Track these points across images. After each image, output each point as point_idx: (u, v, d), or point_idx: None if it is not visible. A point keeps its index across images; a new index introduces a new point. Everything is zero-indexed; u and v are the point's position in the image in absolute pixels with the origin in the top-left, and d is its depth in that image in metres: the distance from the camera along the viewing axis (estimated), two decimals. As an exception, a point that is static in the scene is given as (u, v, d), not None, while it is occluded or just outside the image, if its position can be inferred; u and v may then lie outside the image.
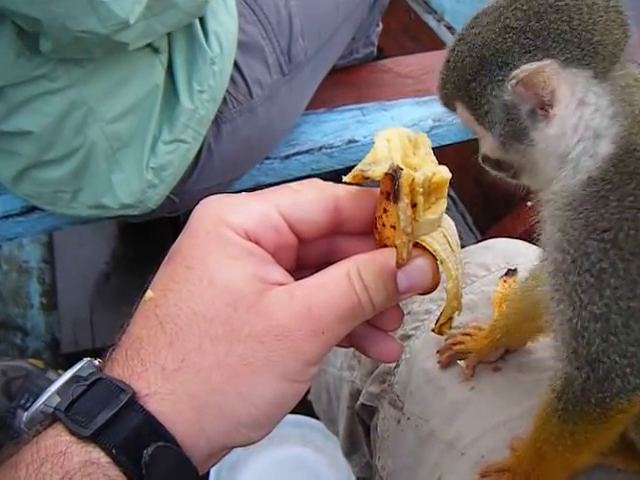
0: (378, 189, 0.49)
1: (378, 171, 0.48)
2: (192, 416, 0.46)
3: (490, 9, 0.57)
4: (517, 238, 0.92)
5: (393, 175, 0.47)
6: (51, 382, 0.48)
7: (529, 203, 0.64)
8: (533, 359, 0.75)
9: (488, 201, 1.96)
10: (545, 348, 0.74)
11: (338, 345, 0.51)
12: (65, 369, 0.48)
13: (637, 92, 0.56)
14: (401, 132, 0.51)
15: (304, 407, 0.78)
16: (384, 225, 0.49)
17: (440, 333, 0.56)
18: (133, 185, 1.20)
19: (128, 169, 1.19)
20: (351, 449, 0.97)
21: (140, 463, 0.44)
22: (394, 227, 0.48)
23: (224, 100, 1.25)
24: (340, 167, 1.43)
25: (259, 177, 1.40)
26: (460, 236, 0.52)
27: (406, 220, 0.47)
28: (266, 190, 0.52)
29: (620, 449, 0.65)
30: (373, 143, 0.50)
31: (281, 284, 0.48)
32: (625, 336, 0.55)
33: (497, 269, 0.83)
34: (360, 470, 0.99)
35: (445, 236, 0.51)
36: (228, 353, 0.46)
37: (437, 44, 1.96)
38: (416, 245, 0.49)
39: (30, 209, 1.31)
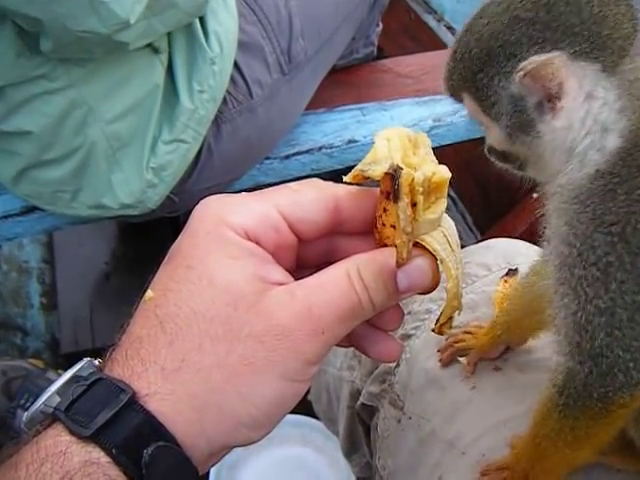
0: (378, 189, 0.49)
1: (378, 171, 0.48)
2: (192, 416, 0.46)
3: None
4: (517, 238, 0.92)
5: (393, 175, 0.47)
6: (51, 382, 0.48)
7: (535, 195, 0.64)
8: (533, 359, 0.75)
9: (488, 201, 1.96)
10: (545, 347, 0.74)
11: (338, 345, 0.50)
12: (65, 369, 0.48)
13: None
14: (401, 132, 0.51)
15: (304, 407, 0.78)
16: (384, 225, 0.49)
17: (440, 333, 0.56)
18: (133, 185, 1.20)
19: (128, 169, 1.19)
20: (351, 449, 0.97)
21: (140, 463, 0.44)
22: (394, 227, 0.48)
23: (224, 100, 1.25)
24: (340, 167, 1.43)
25: (259, 177, 1.40)
26: (460, 236, 0.52)
27: (406, 220, 0.47)
28: (266, 190, 0.52)
29: (619, 449, 0.65)
30: (373, 143, 0.50)
31: (281, 284, 0.48)
32: (630, 330, 0.55)
33: (498, 269, 0.83)
34: (360, 470, 0.99)
35: (445, 236, 0.51)
36: (228, 353, 0.46)
37: (437, 44, 1.96)
38: (416, 245, 0.49)
39: (30, 209, 1.31)
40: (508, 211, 1.74)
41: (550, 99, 0.55)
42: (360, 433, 0.91)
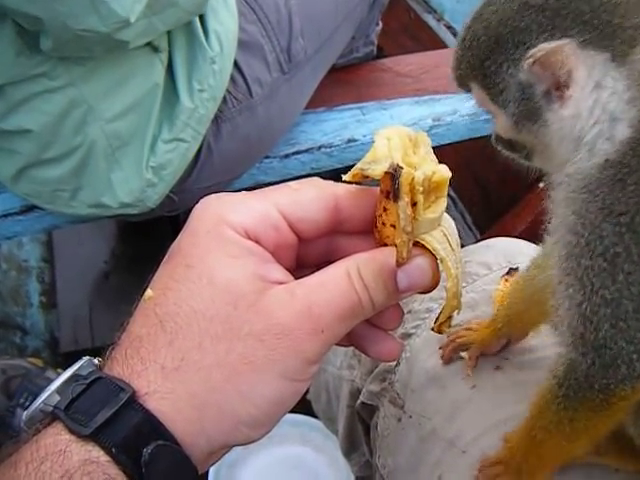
0: (378, 188, 0.49)
1: (378, 170, 0.48)
2: (192, 415, 0.46)
3: None
4: (517, 237, 0.92)
5: (393, 174, 0.47)
6: (50, 381, 0.48)
7: (541, 185, 0.64)
8: (534, 358, 0.75)
9: (488, 200, 1.96)
10: (546, 347, 0.74)
11: (338, 344, 0.50)
12: (64, 368, 0.48)
13: None
14: (401, 131, 0.51)
15: (303, 406, 0.78)
16: (384, 224, 0.49)
17: (439, 332, 0.56)
18: (133, 184, 1.20)
19: (128, 168, 1.19)
20: (350, 448, 0.97)
21: (140, 462, 0.44)
22: (394, 226, 0.48)
23: (224, 99, 1.24)
24: (340, 166, 1.43)
25: (259, 176, 1.40)
26: (459, 235, 0.52)
27: (406, 219, 0.47)
28: (266, 189, 0.52)
29: (617, 449, 0.65)
30: (373, 142, 0.50)
31: (281, 283, 0.48)
32: (634, 322, 0.54)
33: (498, 268, 0.83)
34: (359, 469, 0.99)
35: (445, 235, 0.51)
36: (228, 352, 0.46)
37: (437, 43, 1.96)
38: (416, 244, 0.49)
39: (29, 208, 1.31)
40: (507, 211, 1.74)
41: (558, 87, 0.54)
42: (360, 432, 0.91)
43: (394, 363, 0.81)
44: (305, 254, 0.53)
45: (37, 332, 1.83)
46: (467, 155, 1.78)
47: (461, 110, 1.47)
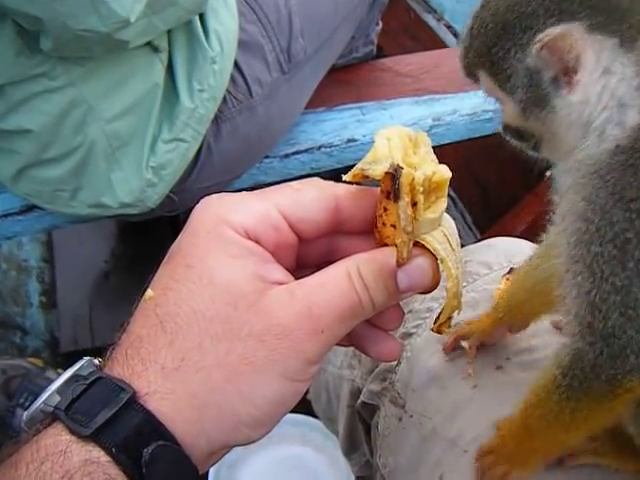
0: (378, 188, 0.49)
1: (378, 170, 0.48)
2: (192, 415, 0.46)
3: None
4: (517, 237, 0.92)
5: (393, 174, 0.47)
6: (50, 381, 0.48)
7: (547, 173, 0.63)
8: (535, 358, 0.75)
9: (487, 200, 1.96)
10: (547, 347, 0.74)
11: (338, 344, 0.50)
12: (64, 368, 0.48)
13: None
14: (401, 131, 0.51)
15: (303, 406, 0.78)
16: (384, 224, 0.49)
17: (439, 332, 0.56)
18: (132, 184, 1.20)
19: (128, 168, 1.19)
20: (351, 448, 0.97)
21: (140, 462, 0.44)
22: (394, 226, 0.48)
23: (224, 99, 1.24)
24: (340, 166, 1.43)
25: (259, 176, 1.40)
26: (460, 235, 0.52)
27: (406, 219, 0.47)
28: (266, 189, 0.52)
29: (617, 449, 0.65)
30: (373, 142, 0.50)
31: (281, 283, 0.48)
32: None
33: (499, 267, 0.83)
34: (359, 469, 0.99)
35: (445, 235, 0.51)
36: (228, 352, 0.46)
37: (437, 43, 1.96)
38: (416, 244, 0.49)
39: (29, 208, 1.31)
40: (507, 210, 1.75)
41: (566, 72, 0.54)
42: (360, 432, 0.91)
43: (395, 362, 0.81)
44: (305, 254, 0.53)
45: (37, 332, 1.83)
46: (467, 155, 1.79)
47: (461, 110, 1.47)
